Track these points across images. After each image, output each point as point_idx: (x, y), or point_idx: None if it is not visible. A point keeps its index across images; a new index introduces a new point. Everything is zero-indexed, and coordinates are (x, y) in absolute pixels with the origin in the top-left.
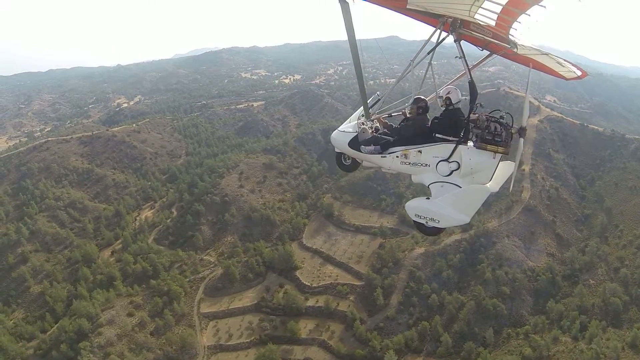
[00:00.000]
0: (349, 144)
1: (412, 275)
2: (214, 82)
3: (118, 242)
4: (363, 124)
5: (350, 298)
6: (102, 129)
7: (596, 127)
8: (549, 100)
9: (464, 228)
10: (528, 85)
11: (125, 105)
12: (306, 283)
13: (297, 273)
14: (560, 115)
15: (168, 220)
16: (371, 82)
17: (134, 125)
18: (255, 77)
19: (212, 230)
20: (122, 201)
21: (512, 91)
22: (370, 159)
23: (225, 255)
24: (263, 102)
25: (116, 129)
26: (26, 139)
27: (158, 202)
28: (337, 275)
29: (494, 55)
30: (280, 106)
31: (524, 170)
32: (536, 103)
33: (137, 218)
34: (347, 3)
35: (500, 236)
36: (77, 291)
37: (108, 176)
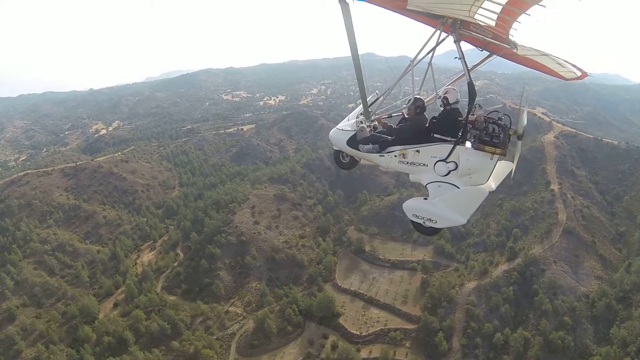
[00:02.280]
0: (347, 142)
1: (469, 314)
2: (195, 105)
3: (120, 291)
4: (361, 122)
5: (406, 344)
6: (83, 158)
7: (610, 140)
8: (542, 112)
9: (510, 257)
10: (523, 91)
11: (104, 131)
12: (354, 332)
13: (341, 320)
14: (573, 130)
15: (175, 264)
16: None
17: (119, 153)
18: (237, 99)
19: (231, 275)
20: (118, 242)
21: (517, 107)
22: (368, 157)
23: (254, 305)
24: (253, 126)
25: (102, 158)
26: (0, 169)
27: (158, 242)
28: (386, 320)
29: (494, 56)
30: (274, 129)
31: (553, 190)
32: (547, 119)
33: (138, 261)
34: (347, 3)
35: (548, 263)
36: (80, 355)
37: (98, 213)
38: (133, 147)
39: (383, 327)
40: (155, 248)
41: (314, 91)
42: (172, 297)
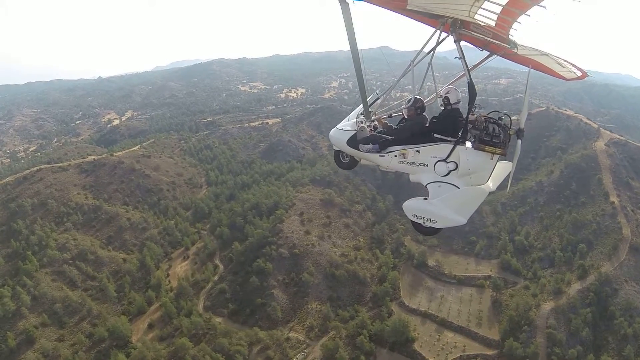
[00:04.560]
0: (347, 142)
1: (550, 338)
2: (212, 96)
3: (153, 308)
4: (362, 122)
5: None
6: (99, 150)
7: None
8: (587, 119)
9: (581, 275)
10: (527, 86)
11: (117, 121)
12: (431, 359)
13: (416, 346)
14: (622, 137)
15: (216, 278)
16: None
17: (139, 147)
18: (255, 91)
19: (286, 294)
20: (146, 249)
21: (562, 111)
22: (368, 157)
23: (317, 330)
24: (279, 120)
25: (121, 152)
26: (9, 160)
27: (191, 250)
28: (464, 345)
29: (494, 56)
30: (304, 124)
31: (613, 202)
32: (595, 126)
33: (170, 272)
34: (347, 3)
35: (620, 282)
36: None
37: (121, 215)
38: (152, 139)
39: (462, 354)
40: (188, 257)
41: (334, 84)
42: (219, 319)
